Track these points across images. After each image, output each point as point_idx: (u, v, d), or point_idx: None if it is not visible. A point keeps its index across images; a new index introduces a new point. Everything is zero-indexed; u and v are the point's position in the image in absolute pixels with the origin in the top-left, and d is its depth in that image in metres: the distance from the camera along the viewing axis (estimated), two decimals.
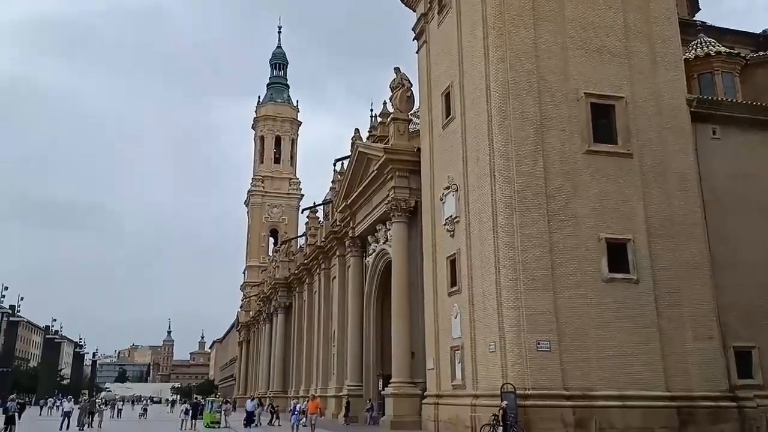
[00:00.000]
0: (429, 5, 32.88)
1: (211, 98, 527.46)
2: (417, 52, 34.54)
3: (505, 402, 21.84)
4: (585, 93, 25.99)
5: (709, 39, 31.83)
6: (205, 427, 34.77)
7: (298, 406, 32.40)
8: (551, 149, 25.23)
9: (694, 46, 31.41)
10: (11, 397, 39.82)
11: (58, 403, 43.26)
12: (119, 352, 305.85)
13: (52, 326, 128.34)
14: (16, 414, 31.03)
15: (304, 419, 30.83)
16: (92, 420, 35.72)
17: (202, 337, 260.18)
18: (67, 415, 33.93)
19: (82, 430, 31.43)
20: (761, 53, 33.05)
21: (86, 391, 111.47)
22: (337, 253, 46.53)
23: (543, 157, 24.98)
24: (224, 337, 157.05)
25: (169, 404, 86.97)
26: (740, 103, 29.22)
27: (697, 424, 23.78)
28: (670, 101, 27.17)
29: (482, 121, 26.10)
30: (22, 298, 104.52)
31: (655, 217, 25.66)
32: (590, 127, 25.81)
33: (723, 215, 27.16)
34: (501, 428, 21.87)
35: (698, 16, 37.71)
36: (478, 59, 26.85)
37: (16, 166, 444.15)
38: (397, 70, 36.24)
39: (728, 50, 31.19)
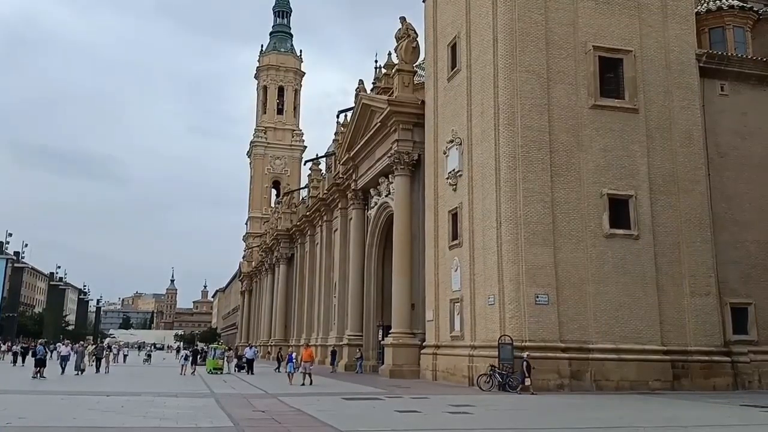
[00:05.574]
0: None
1: (219, 46, 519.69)
2: (424, 1, 33.83)
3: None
4: (593, 46, 25.59)
5: None
6: (208, 372, 35.41)
7: (293, 354, 32.93)
8: (557, 103, 25.01)
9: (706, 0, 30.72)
10: (40, 341, 39.96)
11: (57, 349, 43.81)
12: (123, 300, 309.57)
13: (57, 273, 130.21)
14: (45, 357, 31.83)
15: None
16: (99, 365, 36.23)
17: (205, 286, 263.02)
18: (63, 359, 34.18)
19: (79, 374, 31.88)
20: None
21: (90, 338, 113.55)
22: (339, 206, 46.59)
23: (548, 112, 24.78)
24: (227, 287, 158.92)
25: (175, 351, 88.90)
26: (750, 58, 28.72)
27: (691, 378, 24.33)
28: (678, 56, 26.77)
29: (488, 73, 25.77)
30: (26, 245, 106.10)
31: (658, 173, 25.60)
32: (597, 81, 25.53)
33: (726, 172, 27.10)
34: (498, 377, 22.39)
35: None
36: (485, 9, 26.33)
37: (17, 112, 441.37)
38: (402, 19, 35.47)
39: (741, 4, 30.51)
